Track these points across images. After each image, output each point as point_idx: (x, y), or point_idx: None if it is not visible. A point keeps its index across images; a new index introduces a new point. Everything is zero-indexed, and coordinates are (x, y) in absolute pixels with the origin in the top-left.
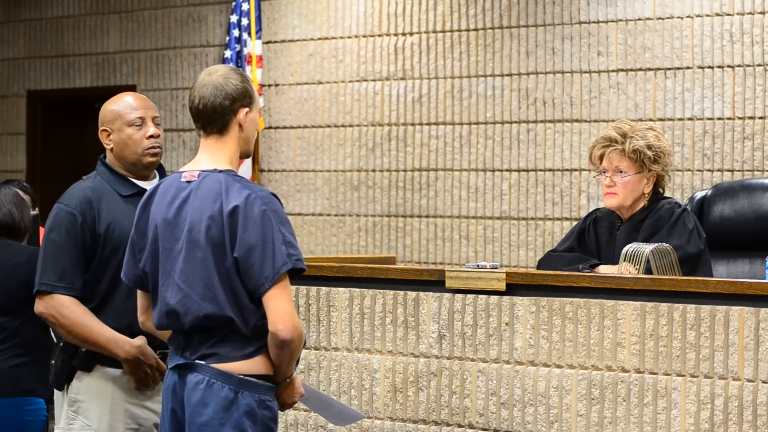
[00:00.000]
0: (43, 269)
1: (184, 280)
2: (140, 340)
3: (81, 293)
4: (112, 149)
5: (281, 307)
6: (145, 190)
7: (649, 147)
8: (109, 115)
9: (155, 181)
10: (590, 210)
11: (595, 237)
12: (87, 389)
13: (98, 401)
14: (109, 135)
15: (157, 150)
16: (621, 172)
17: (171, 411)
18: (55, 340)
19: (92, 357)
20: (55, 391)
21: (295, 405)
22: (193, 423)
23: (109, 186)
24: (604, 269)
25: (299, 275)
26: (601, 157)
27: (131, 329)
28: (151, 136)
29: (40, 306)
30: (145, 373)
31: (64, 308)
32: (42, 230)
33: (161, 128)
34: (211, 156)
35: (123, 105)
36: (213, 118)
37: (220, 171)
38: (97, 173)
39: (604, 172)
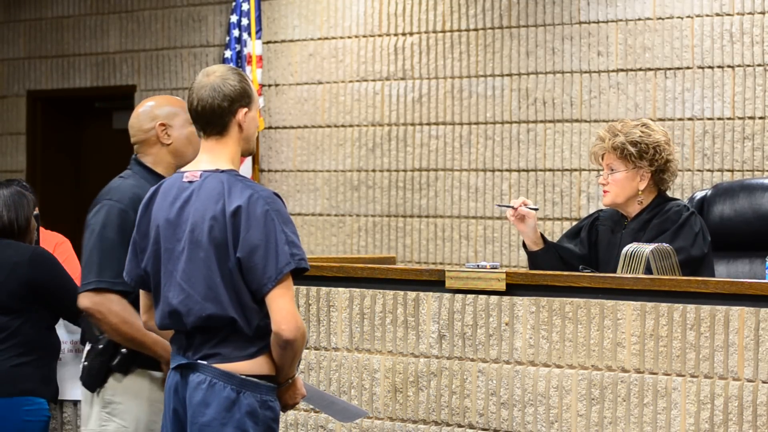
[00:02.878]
0: (99, 266)
1: (187, 281)
2: None
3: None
4: (169, 144)
5: (284, 307)
6: None
7: (633, 143)
8: (168, 111)
9: None
10: (591, 210)
11: (596, 234)
12: (124, 391)
13: (136, 403)
14: (166, 130)
15: None
16: (612, 170)
17: (173, 411)
18: (88, 341)
19: (131, 359)
20: (84, 391)
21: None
22: (194, 423)
23: (149, 185)
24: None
25: (302, 275)
26: (596, 157)
27: None
28: None
29: (87, 301)
30: None
31: (114, 305)
32: (42, 230)
33: None
34: (213, 156)
35: (181, 104)
36: (212, 120)
37: (222, 171)
38: (133, 172)
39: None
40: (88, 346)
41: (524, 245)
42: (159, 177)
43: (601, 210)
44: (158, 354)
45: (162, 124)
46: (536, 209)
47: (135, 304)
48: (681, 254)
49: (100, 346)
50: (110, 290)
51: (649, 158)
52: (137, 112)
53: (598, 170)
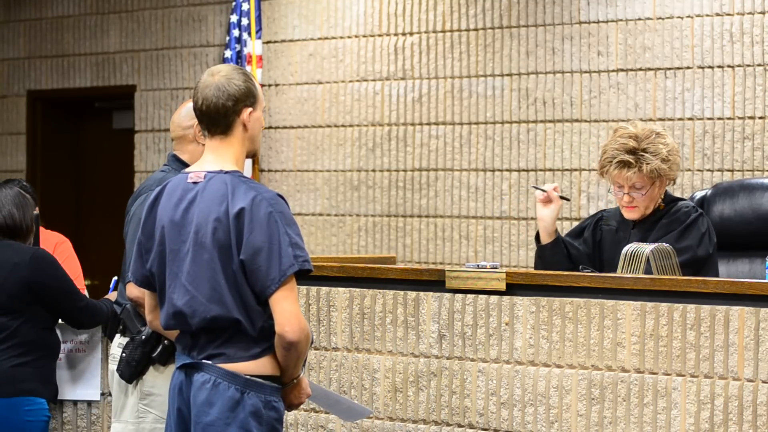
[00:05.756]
0: None
1: (191, 282)
2: None
3: None
4: (204, 144)
5: (288, 308)
6: None
7: (664, 161)
8: None
9: None
10: (591, 210)
11: (600, 233)
12: (164, 383)
13: None
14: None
15: None
16: (638, 188)
17: (177, 410)
18: (127, 333)
19: (172, 350)
20: (119, 382)
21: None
22: (198, 422)
23: None
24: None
25: (306, 276)
26: (620, 178)
27: None
28: None
29: (137, 291)
30: None
31: None
32: (42, 230)
33: None
34: (217, 157)
35: None
36: (217, 119)
37: (226, 172)
38: (172, 168)
39: (620, 187)
40: (121, 338)
41: (536, 238)
42: None
43: (604, 210)
44: None
45: None
46: (568, 199)
47: None
48: (687, 253)
49: (143, 337)
50: None
51: (675, 168)
52: (180, 109)
53: (597, 169)
